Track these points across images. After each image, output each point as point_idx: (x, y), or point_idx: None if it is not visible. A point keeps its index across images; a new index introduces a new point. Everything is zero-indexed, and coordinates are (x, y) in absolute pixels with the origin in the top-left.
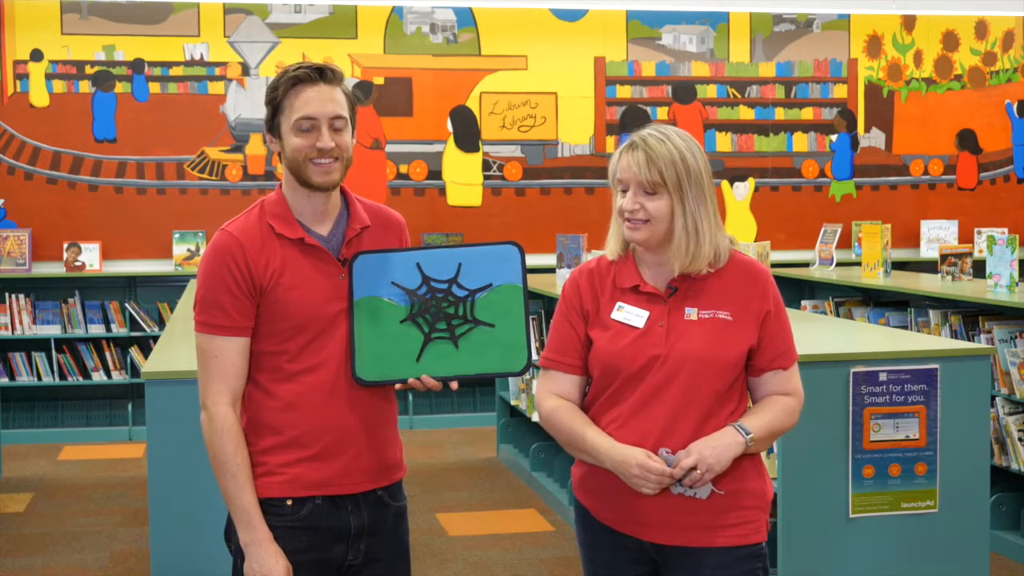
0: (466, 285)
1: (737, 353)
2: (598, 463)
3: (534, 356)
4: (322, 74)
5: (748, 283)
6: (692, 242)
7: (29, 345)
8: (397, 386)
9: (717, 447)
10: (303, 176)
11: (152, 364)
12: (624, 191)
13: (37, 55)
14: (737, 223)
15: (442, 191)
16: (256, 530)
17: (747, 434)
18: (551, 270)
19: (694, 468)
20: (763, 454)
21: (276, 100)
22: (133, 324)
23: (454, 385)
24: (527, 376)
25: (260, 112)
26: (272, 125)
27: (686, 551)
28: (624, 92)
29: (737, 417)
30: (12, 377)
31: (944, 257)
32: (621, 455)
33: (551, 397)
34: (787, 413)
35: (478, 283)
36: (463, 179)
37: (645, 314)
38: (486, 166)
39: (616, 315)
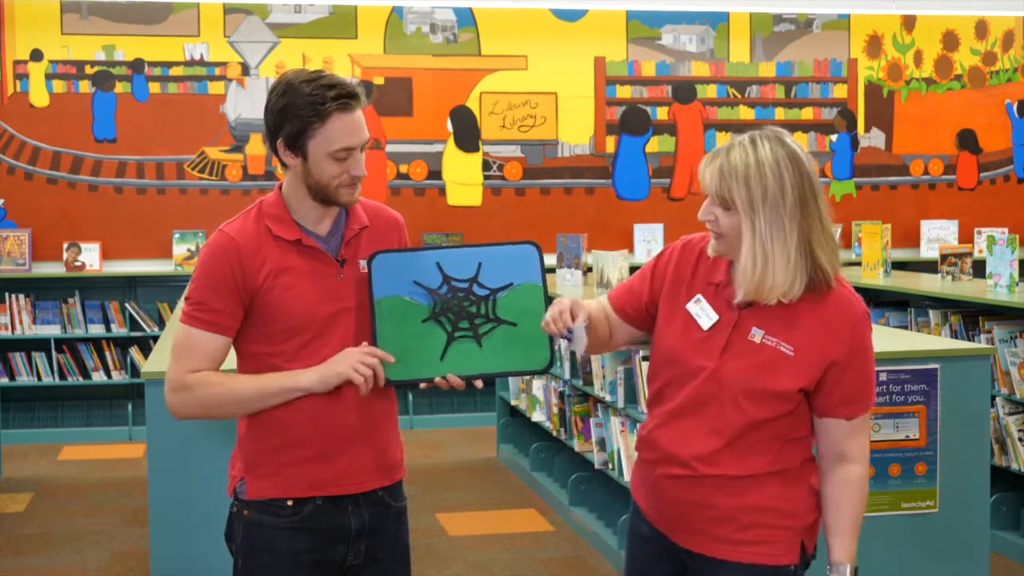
0: (487, 284)
1: (782, 389)
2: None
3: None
4: (357, 98)
5: (827, 325)
6: (758, 270)
7: (29, 345)
8: (422, 385)
9: None
10: (330, 197)
11: (152, 364)
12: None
13: (37, 55)
14: None
15: (442, 191)
16: (302, 374)
17: (842, 566)
18: (551, 270)
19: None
20: None
21: (308, 120)
22: (133, 324)
23: (478, 384)
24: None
25: (260, 112)
26: (296, 143)
27: (711, 561)
28: (624, 92)
29: (794, 447)
30: (12, 377)
31: (944, 257)
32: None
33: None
34: (860, 497)
35: (499, 282)
36: (463, 179)
37: (715, 318)
38: (486, 166)
39: (691, 306)
